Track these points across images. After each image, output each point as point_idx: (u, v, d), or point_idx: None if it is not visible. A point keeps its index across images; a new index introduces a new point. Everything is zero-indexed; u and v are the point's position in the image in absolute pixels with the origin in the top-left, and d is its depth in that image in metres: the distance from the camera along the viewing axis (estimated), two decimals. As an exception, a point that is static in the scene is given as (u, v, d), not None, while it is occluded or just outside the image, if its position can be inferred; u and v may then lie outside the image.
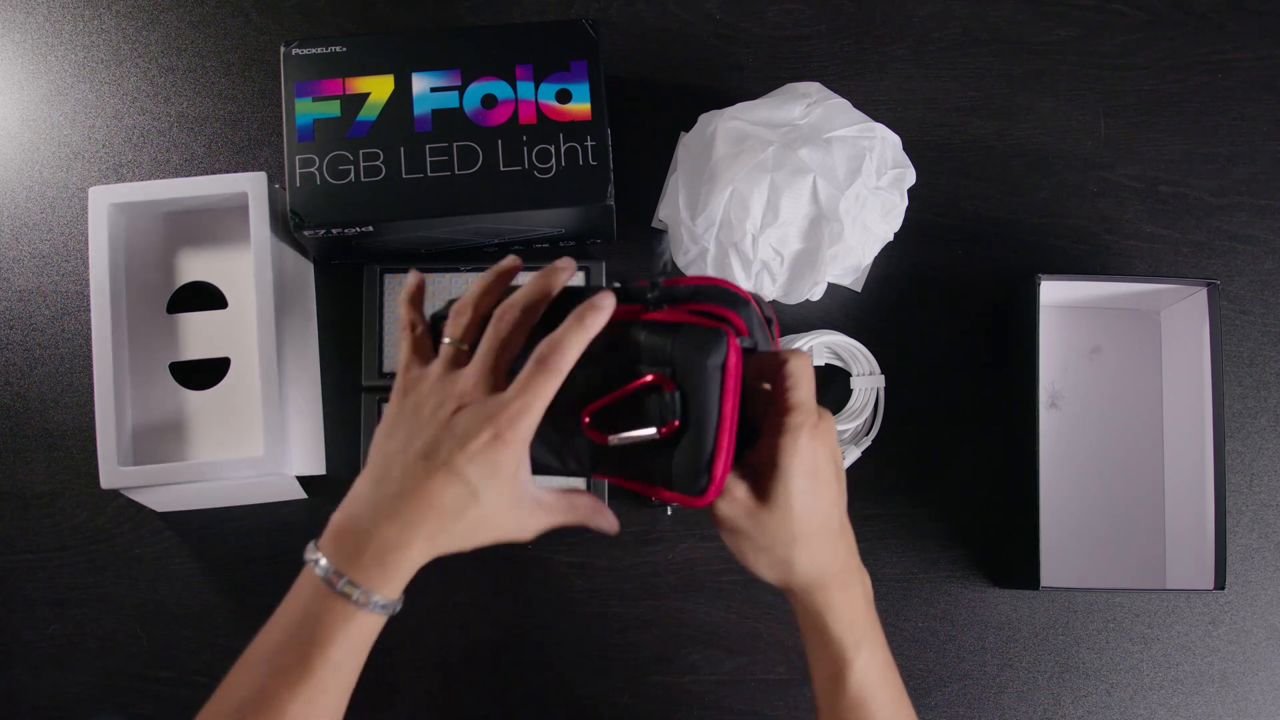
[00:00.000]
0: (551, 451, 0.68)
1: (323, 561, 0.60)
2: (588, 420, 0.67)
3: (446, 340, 0.64)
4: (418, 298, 0.66)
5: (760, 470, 0.62)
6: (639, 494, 0.73)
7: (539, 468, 0.68)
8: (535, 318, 0.63)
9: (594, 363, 0.66)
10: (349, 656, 0.60)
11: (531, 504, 0.63)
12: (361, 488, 0.62)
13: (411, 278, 0.67)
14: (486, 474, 0.60)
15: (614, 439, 0.66)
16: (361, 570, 0.59)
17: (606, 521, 0.67)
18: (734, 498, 0.62)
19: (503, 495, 0.61)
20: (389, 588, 0.60)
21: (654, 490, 0.67)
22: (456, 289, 0.92)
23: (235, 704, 0.59)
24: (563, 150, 0.84)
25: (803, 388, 0.62)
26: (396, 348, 0.89)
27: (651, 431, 0.66)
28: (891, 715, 0.66)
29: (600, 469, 0.68)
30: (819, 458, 0.62)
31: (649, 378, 0.66)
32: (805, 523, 0.62)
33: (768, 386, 0.64)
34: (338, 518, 0.61)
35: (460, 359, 0.63)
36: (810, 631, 0.66)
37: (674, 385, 0.66)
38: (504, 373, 0.62)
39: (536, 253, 0.94)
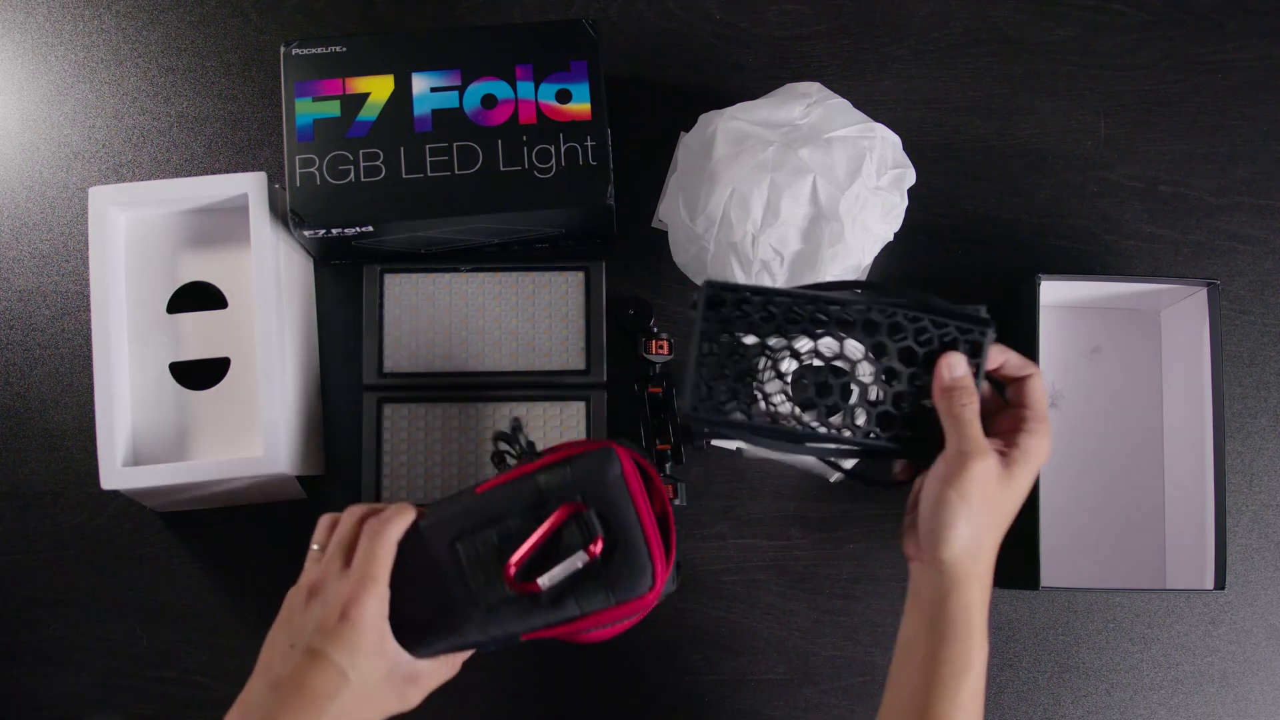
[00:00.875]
0: (477, 628, 0.71)
1: None
2: (513, 574, 0.70)
3: (314, 547, 0.69)
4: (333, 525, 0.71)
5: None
6: (577, 643, 0.77)
7: (460, 648, 0.72)
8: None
9: (501, 521, 0.72)
10: None
11: (405, 674, 0.67)
12: (249, 686, 0.65)
13: (396, 526, 0.69)
14: (347, 651, 0.63)
15: (545, 580, 0.70)
16: None
17: None
18: (990, 465, 0.65)
19: (370, 670, 0.64)
20: None
21: (597, 618, 0.72)
22: (456, 288, 0.92)
23: None
24: (563, 150, 0.84)
25: (1045, 403, 0.69)
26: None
27: (580, 557, 0.71)
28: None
29: (532, 626, 0.71)
30: (1039, 469, 0.68)
31: (562, 511, 0.71)
32: (1008, 515, 0.67)
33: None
34: (230, 716, 0.64)
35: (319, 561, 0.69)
36: (949, 618, 0.66)
37: (585, 506, 0.71)
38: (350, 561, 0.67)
39: (537, 253, 0.94)
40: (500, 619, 0.71)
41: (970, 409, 0.66)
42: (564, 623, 0.72)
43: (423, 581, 0.71)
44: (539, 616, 0.72)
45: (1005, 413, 0.70)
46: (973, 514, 0.64)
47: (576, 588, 0.72)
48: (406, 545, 0.71)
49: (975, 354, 0.69)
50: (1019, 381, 0.70)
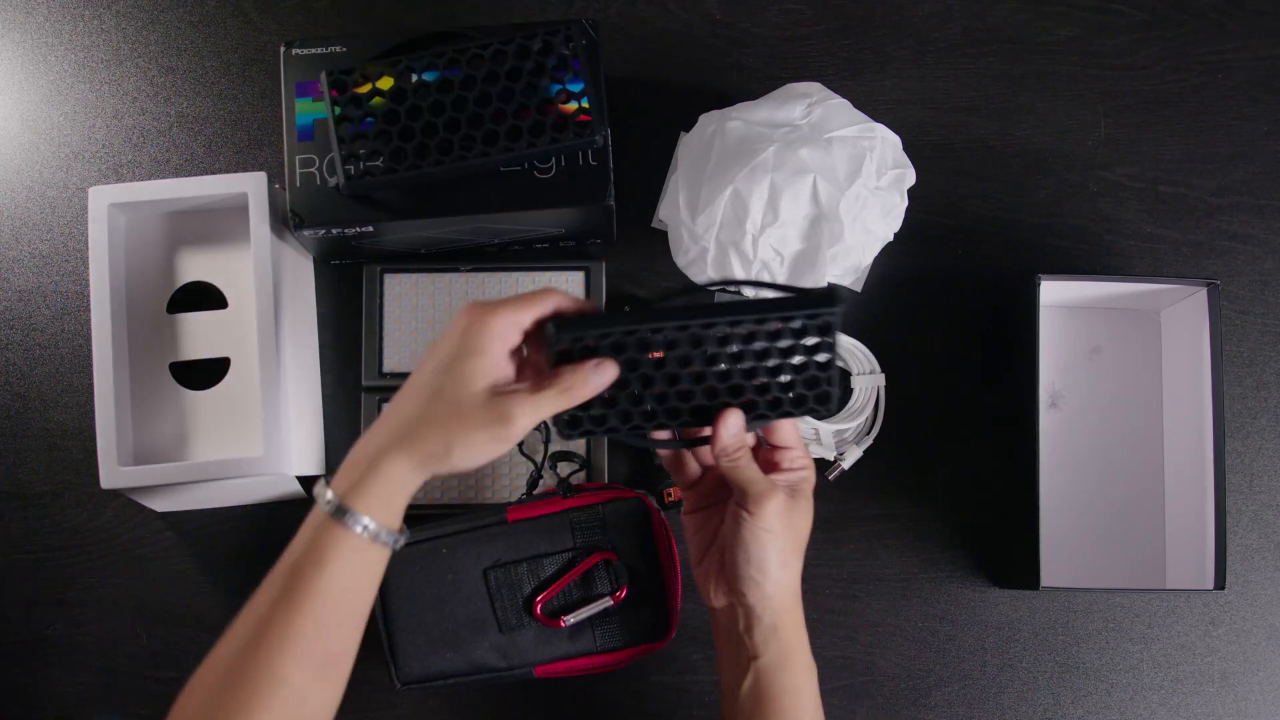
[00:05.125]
0: (498, 654, 0.81)
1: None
2: (540, 610, 0.80)
3: None
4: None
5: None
6: (585, 675, 0.85)
7: (481, 669, 0.81)
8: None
9: (533, 557, 0.80)
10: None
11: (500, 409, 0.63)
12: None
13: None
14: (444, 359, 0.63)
15: (570, 619, 0.80)
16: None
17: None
18: (780, 497, 0.68)
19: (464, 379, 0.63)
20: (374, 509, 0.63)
21: (611, 656, 0.82)
22: (457, 289, 0.92)
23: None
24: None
25: (799, 437, 0.72)
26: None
27: (606, 602, 0.80)
28: None
29: (551, 656, 0.81)
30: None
31: (595, 557, 0.80)
32: (806, 538, 0.72)
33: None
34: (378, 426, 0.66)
35: None
36: (783, 647, 0.69)
37: (616, 556, 0.80)
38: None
39: (537, 253, 0.94)
40: (521, 646, 0.80)
41: (745, 459, 0.68)
42: (579, 656, 0.81)
43: (452, 602, 0.78)
44: (557, 647, 0.80)
45: (765, 451, 0.72)
46: (781, 544, 0.68)
47: (596, 626, 0.81)
48: (439, 569, 0.79)
49: (826, 333, 0.65)
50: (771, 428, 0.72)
